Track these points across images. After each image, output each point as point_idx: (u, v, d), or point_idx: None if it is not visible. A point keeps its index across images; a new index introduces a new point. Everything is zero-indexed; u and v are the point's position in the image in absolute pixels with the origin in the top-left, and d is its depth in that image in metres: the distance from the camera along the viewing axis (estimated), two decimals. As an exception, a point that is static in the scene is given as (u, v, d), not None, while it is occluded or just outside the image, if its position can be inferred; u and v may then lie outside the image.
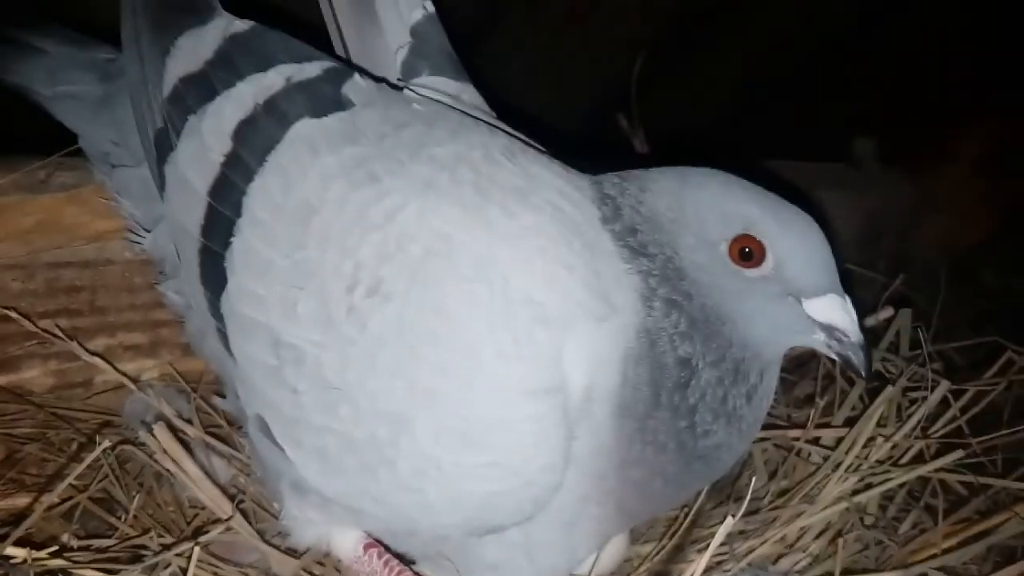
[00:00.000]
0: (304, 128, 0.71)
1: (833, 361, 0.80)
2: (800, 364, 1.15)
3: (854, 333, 0.68)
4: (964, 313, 1.26)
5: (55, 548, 0.69)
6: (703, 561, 0.52)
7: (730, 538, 0.86)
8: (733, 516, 0.54)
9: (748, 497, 0.67)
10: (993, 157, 1.43)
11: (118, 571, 0.69)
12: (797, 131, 1.41)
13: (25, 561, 0.65)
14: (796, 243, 0.68)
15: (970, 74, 1.39)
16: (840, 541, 0.82)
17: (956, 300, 1.20)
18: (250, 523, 0.80)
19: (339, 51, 0.87)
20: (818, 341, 0.69)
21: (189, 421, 0.90)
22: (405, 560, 0.75)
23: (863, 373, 0.69)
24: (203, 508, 0.82)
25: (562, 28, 1.30)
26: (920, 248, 1.40)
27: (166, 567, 0.72)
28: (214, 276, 0.71)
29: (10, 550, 0.64)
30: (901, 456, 0.89)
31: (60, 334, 0.90)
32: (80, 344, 0.91)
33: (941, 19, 1.36)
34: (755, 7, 1.32)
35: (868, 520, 0.88)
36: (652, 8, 1.27)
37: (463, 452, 0.63)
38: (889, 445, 0.86)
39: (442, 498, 0.65)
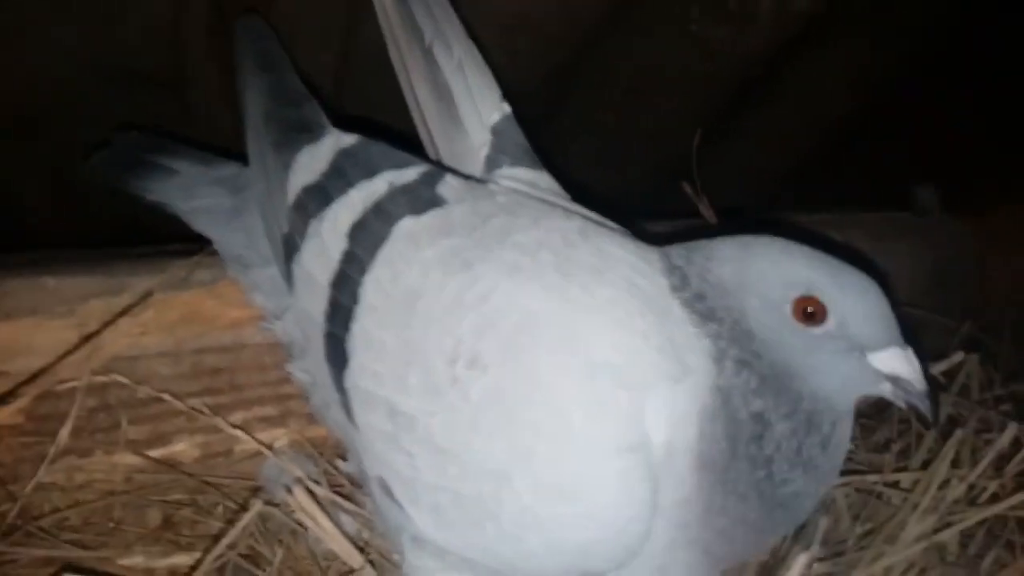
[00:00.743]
0: (407, 225, 0.79)
1: (906, 407, 0.84)
2: (879, 411, 1.17)
3: (919, 382, 0.72)
4: (1036, 353, 1.26)
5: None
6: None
7: (818, 580, 0.90)
8: (808, 551, 0.58)
9: (821, 539, 0.71)
10: (1056, 198, 1.43)
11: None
12: (860, 183, 1.45)
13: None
14: (855, 301, 0.72)
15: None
16: (924, 580, 0.86)
17: (1028, 341, 1.20)
18: (377, 573, 0.88)
19: (431, 153, 0.97)
20: (886, 391, 0.74)
21: (318, 482, 0.98)
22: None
23: (931, 419, 0.73)
24: (334, 560, 0.90)
25: (626, 105, 1.38)
26: (990, 292, 1.40)
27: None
28: (337, 356, 0.80)
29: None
30: (978, 495, 0.91)
31: (206, 411, 1.01)
32: (223, 419, 1.02)
33: (998, 63, 1.38)
34: (807, 65, 1.37)
35: (950, 558, 0.90)
36: (709, 77, 1.34)
37: (559, 505, 0.69)
38: (965, 485, 0.88)
39: (542, 546, 0.71)
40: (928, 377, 0.74)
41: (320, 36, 1.12)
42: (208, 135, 1.14)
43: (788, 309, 0.73)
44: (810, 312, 0.72)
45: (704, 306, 0.74)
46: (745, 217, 1.06)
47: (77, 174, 1.05)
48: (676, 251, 0.79)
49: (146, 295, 0.98)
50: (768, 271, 0.75)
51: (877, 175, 1.47)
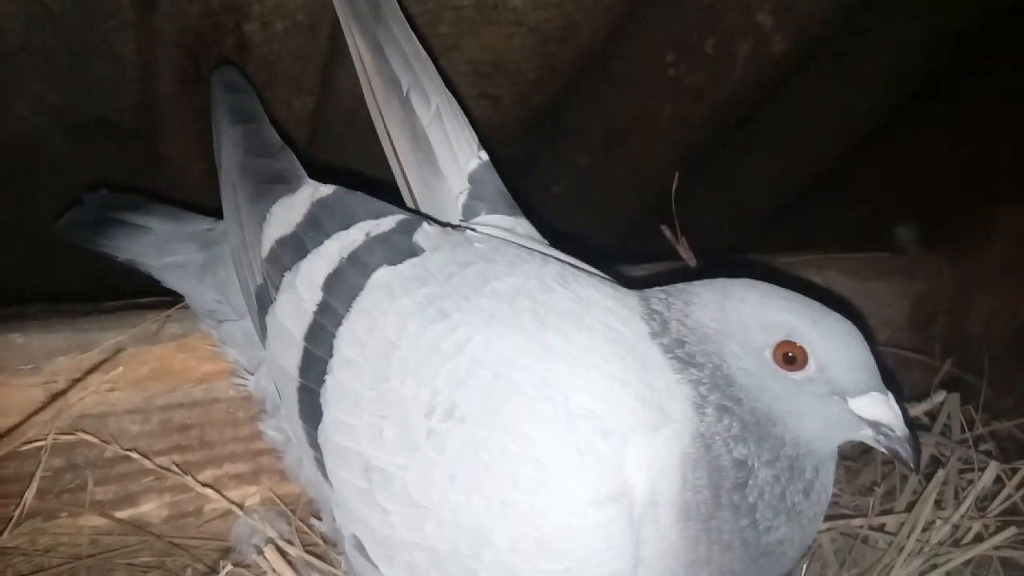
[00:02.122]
0: (383, 275, 0.78)
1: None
2: (864, 452, 1.17)
3: (899, 428, 0.72)
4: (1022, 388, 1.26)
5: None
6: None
7: (808, 627, 0.88)
8: None
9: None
10: (1036, 233, 1.45)
11: None
12: (838, 223, 1.47)
13: None
14: (835, 346, 0.72)
15: (1007, 155, 1.42)
16: (910, 623, 0.84)
17: (1014, 376, 1.21)
18: None
19: (408, 201, 0.97)
20: (867, 436, 0.73)
21: (290, 542, 0.95)
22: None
23: (911, 465, 0.73)
24: None
25: (605, 148, 1.40)
26: (972, 329, 1.41)
27: None
28: (311, 411, 0.78)
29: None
30: (963, 536, 0.91)
31: (176, 470, 0.98)
32: (193, 477, 0.99)
33: (976, 103, 1.41)
34: (786, 107, 1.40)
35: (937, 602, 0.89)
36: (687, 122, 1.36)
37: (539, 560, 0.68)
38: (948, 527, 0.88)
39: None
40: (909, 422, 0.73)
41: (296, 83, 1.13)
42: (180, 185, 1.14)
43: (768, 354, 0.73)
44: (791, 357, 0.72)
45: (684, 352, 0.74)
46: (725, 259, 1.06)
47: (44, 226, 1.04)
48: (655, 295, 0.79)
49: (116, 351, 0.95)
50: (748, 316, 0.74)
51: (858, 215, 1.48)
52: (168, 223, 1.02)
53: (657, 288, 0.80)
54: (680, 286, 0.80)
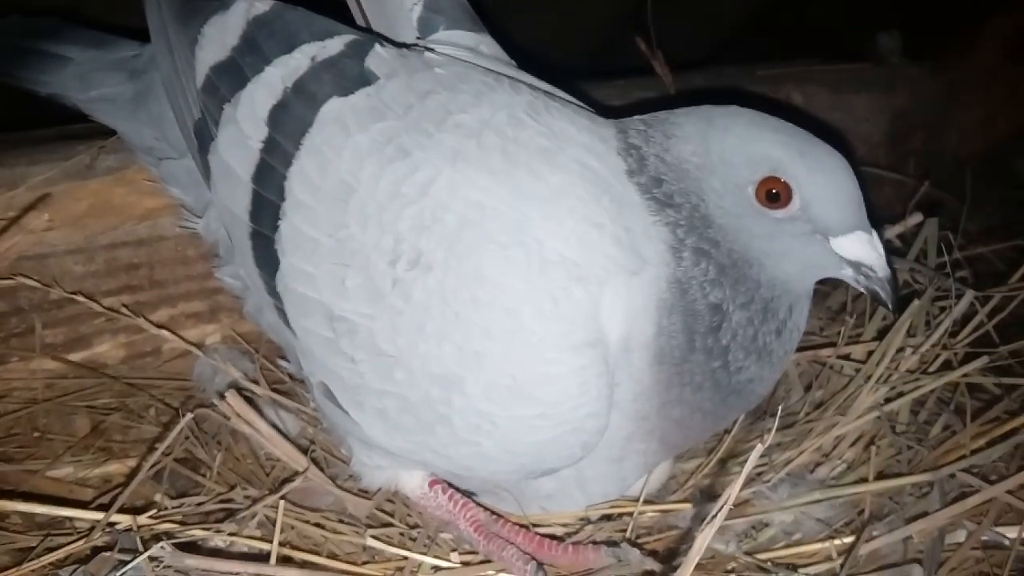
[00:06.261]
0: (333, 108, 0.72)
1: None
2: (833, 275, 1.16)
3: (881, 268, 0.70)
4: (999, 209, 1.25)
5: (154, 511, 0.75)
6: (742, 476, 0.52)
7: (769, 450, 0.90)
8: (768, 432, 0.56)
9: (780, 413, 0.71)
10: (1020, 46, 1.37)
11: (211, 527, 0.75)
12: (819, 31, 1.37)
13: (130, 528, 0.70)
14: (823, 183, 0.69)
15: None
16: (873, 448, 0.86)
17: (990, 195, 1.18)
18: (323, 471, 0.85)
19: (356, 15, 0.87)
20: (846, 275, 0.72)
21: (255, 381, 0.94)
22: (467, 494, 0.80)
23: (890, 306, 0.72)
24: (279, 460, 0.87)
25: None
26: (951, 144, 1.37)
27: (253, 517, 0.77)
28: (267, 258, 0.74)
29: (115, 517, 0.70)
30: (930, 364, 0.91)
31: (126, 311, 0.95)
32: (145, 318, 0.96)
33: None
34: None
35: (899, 427, 0.90)
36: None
37: (513, 406, 0.67)
38: (918, 355, 0.88)
39: (497, 449, 0.69)
40: (891, 262, 0.71)
41: None
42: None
43: (751, 191, 0.69)
44: (774, 194, 0.69)
45: (662, 191, 0.70)
46: (701, 74, 0.97)
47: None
48: (634, 127, 0.74)
49: (47, 189, 0.87)
50: (731, 150, 0.70)
51: (839, 23, 1.39)
52: (90, 51, 0.92)
53: (636, 118, 0.75)
54: (661, 115, 0.75)
